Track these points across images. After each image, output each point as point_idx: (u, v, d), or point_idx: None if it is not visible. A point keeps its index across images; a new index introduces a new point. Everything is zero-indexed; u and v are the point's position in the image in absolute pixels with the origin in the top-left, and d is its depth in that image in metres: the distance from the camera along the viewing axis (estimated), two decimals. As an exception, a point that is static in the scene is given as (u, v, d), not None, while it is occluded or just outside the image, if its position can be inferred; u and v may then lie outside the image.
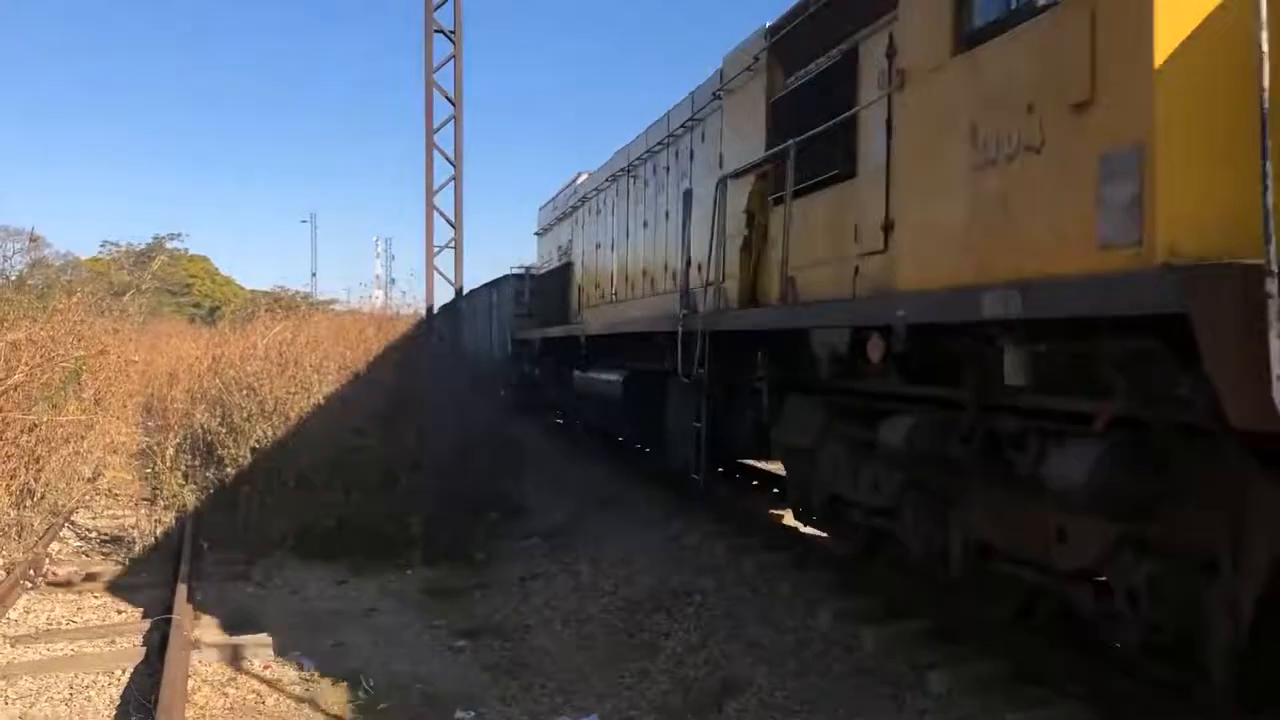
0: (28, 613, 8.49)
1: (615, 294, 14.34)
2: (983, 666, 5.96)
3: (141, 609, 8.59)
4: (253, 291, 49.84)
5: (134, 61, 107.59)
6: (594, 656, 7.39)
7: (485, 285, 27.05)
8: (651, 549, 9.92)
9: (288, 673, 7.01)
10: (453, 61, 11.19)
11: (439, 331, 12.56)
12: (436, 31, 11.11)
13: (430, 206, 11.13)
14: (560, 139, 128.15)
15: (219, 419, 13.40)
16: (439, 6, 11.10)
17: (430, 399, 11.66)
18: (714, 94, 9.97)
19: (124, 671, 6.91)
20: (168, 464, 12.49)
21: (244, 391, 13.50)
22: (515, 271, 24.12)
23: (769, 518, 10.72)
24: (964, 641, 6.38)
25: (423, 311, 11.94)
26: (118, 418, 15.72)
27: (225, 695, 6.54)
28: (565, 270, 18.35)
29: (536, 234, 22.95)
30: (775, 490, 11.61)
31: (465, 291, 18.46)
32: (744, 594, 8.11)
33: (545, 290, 20.29)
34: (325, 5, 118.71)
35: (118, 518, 12.30)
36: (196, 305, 55.28)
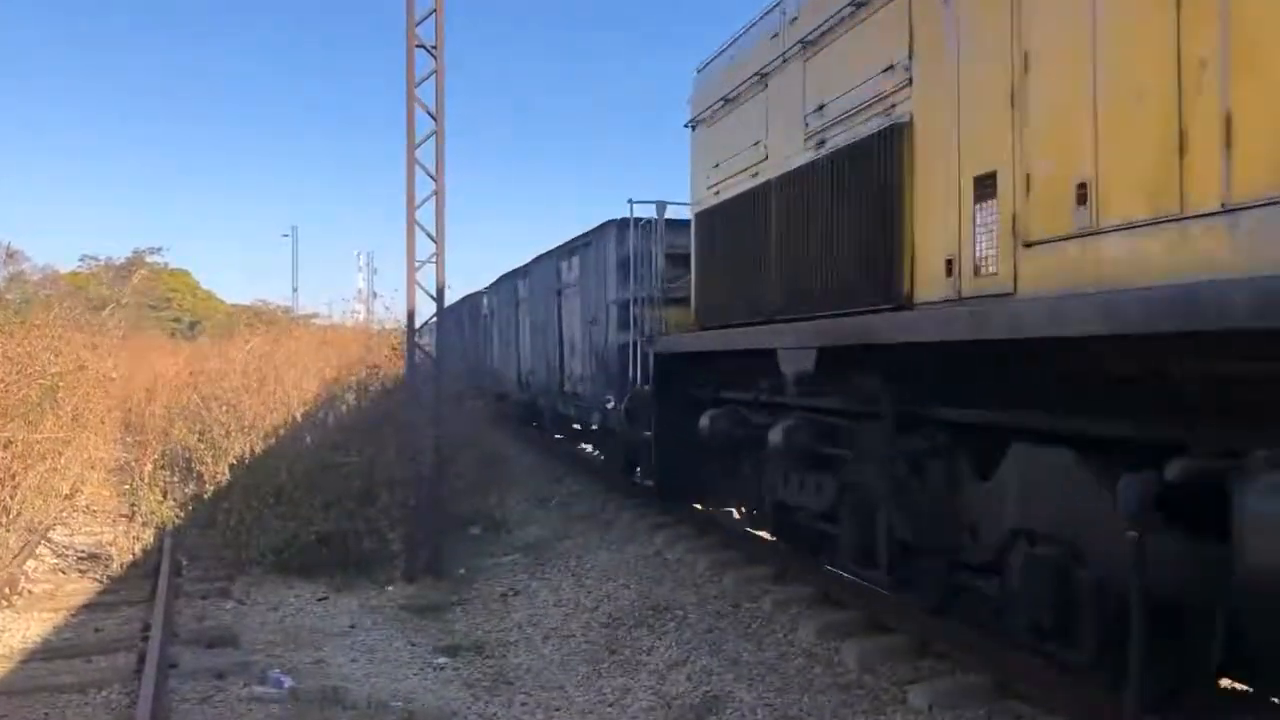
0: (3, 631, 8.38)
1: None
2: (964, 681, 5.98)
3: (119, 627, 8.50)
4: (233, 306, 49.71)
5: (114, 72, 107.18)
6: (576, 673, 7.37)
7: (547, 255, 16.78)
8: (633, 564, 9.92)
9: (267, 690, 6.95)
10: (434, 76, 11.18)
11: (425, 351, 11.76)
12: (418, 47, 11.12)
13: (412, 221, 11.10)
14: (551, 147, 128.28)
15: (198, 435, 13.34)
16: (421, 22, 11.11)
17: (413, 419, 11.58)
18: None
19: (100, 691, 6.83)
20: (146, 480, 12.43)
21: (223, 407, 13.45)
22: (640, 214, 12.36)
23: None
24: (946, 656, 6.41)
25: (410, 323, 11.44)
26: (96, 433, 15.59)
27: (204, 714, 6.47)
28: (882, 145, 6.63)
29: (694, 125, 10.61)
30: None
31: (502, 277, 14.66)
32: (726, 609, 8.12)
33: (745, 233, 8.98)
34: (305, 19, 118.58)
35: (95, 534, 12.19)
36: (177, 320, 54.96)
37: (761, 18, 8.85)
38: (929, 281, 6.06)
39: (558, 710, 6.67)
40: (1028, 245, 5.17)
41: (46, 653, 7.79)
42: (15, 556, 10.42)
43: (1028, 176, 5.18)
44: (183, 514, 11.92)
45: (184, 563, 10.27)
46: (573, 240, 15.10)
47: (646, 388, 11.34)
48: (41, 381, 12.68)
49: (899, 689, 6.05)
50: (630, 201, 12.27)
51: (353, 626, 8.78)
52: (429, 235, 11.16)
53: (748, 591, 8.36)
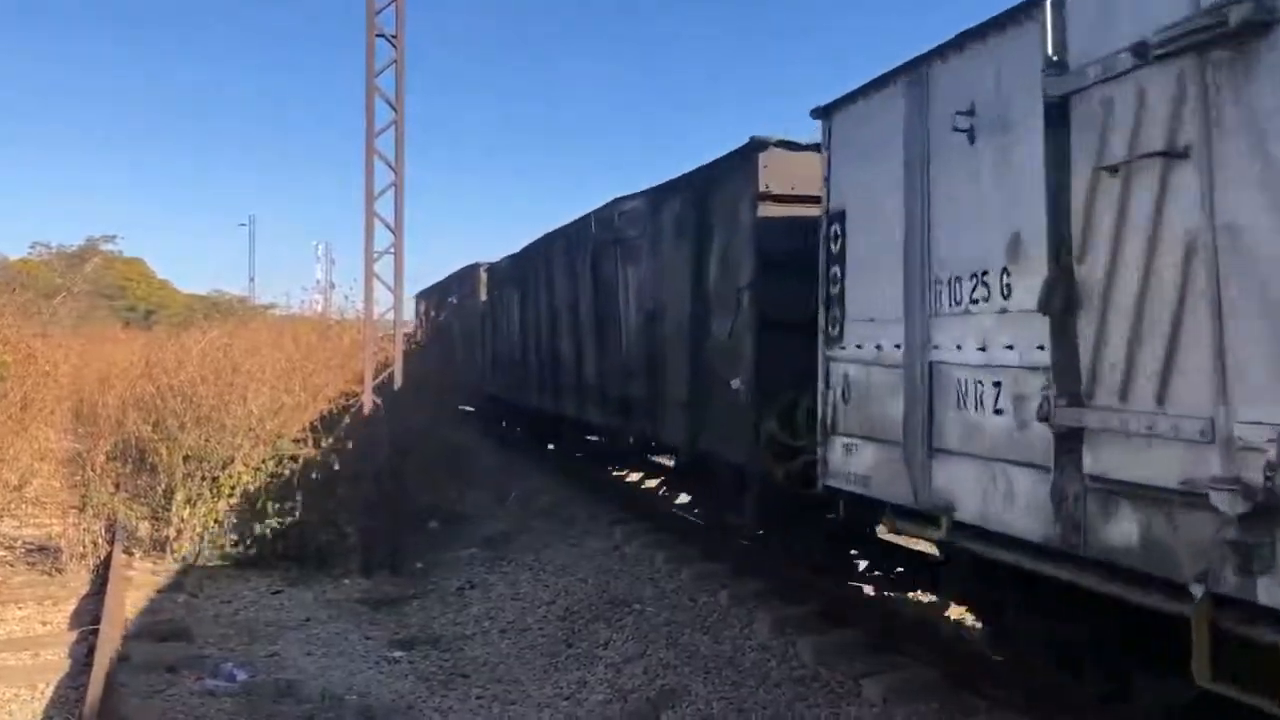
0: (-52, 624, 8.24)
1: None
2: (918, 674, 6.04)
3: (68, 620, 8.37)
4: (190, 295, 49.03)
5: (68, 59, 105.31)
6: (532, 667, 7.35)
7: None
8: (591, 558, 9.91)
9: (219, 684, 6.88)
10: (394, 66, 11.10)
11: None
12: (378, 36, 11.02)
13: (370, 213, 11.01)
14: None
15: (151, 425, 13.12)
16: (380, 10, 11.02)
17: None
18: None
19: (48, 685, 6.73)
20: (98, 472, 12.21)
21: (178, 398, 13.24)
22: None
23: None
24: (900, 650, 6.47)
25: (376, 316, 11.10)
26: (46, 424, 15.29)
27: (154, 708, 6.39)
28: None
29: None
30: None
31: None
32: (683, 603, 8.14)
33: None
34: (265, 7, 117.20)
35: (45, 526, 11.97)
36: (131, 309, 53.98)
37: None
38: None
39: (513, 704, 6.65)
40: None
41: (-7, 646, 7.66)
42: (-39, 548, 10.23)
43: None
44: (135, 506, 11.74)
45: (135, 555, 10.12)
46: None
47: None
48: (-14, 370, 12.44)
49: (854, 682, 6.10)
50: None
51: (308, 620, 8.70)
52: (388, 226, 11.09)
53: (705, 586, 8.39)
